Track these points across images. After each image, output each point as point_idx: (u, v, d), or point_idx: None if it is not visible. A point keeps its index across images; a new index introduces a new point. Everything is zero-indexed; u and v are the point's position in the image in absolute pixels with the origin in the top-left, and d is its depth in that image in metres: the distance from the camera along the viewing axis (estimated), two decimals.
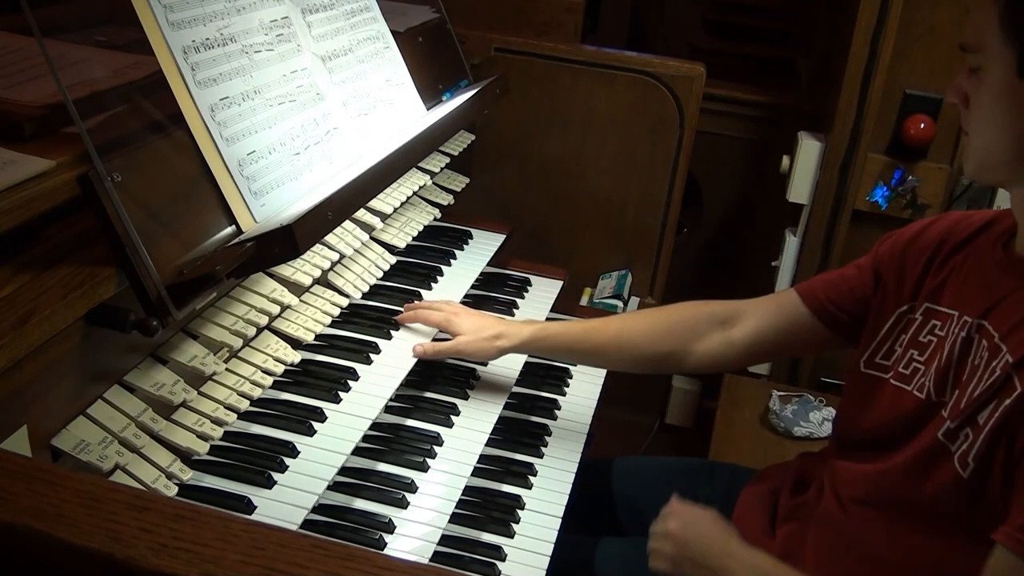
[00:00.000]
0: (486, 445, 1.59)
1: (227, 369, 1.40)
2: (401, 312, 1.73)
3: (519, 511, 1.51)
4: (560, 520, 1.51)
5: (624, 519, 1.72)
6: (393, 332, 1.68)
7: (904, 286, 1.40)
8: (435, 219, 2.06)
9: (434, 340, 1.68)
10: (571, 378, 1.90)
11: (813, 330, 1.51)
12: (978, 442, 1.18)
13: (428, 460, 1.50)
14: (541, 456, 1.65)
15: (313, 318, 1.59)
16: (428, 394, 1.68)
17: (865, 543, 1.32)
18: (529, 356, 1.84)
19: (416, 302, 1.77)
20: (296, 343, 1.53)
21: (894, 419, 1.33)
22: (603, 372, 1.92)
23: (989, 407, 1.18)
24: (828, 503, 1.39)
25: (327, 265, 1.62)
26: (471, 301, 1.89)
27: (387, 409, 1.56)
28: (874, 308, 1.44)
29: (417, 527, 1.37)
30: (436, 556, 1.35)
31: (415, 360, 1.63)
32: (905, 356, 1.36)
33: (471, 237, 2.13)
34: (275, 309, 1.48)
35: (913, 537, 1.26)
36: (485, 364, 1.76)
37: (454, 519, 1.43)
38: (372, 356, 1.60)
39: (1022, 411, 1.14)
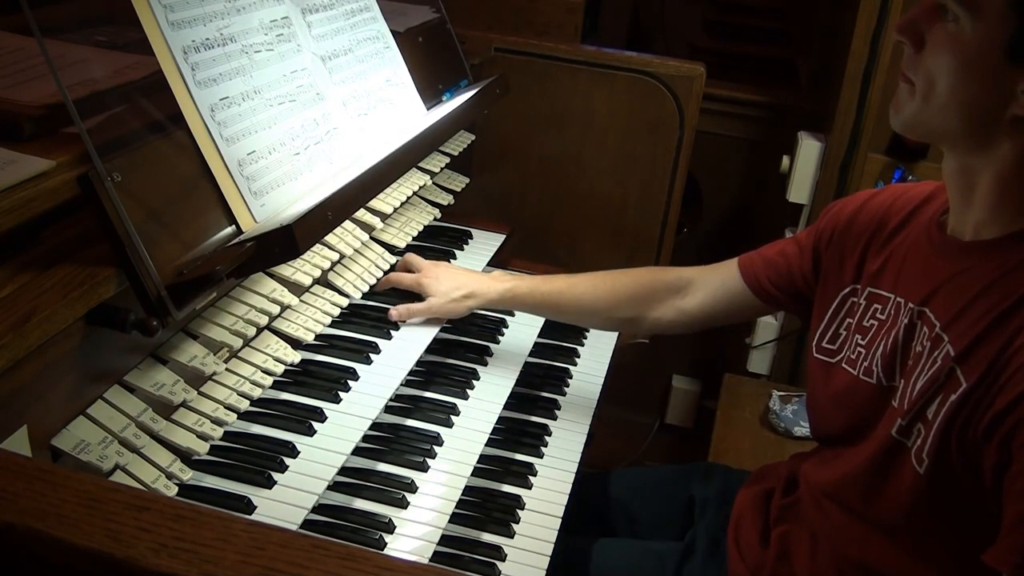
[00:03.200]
0: (486, 445, 1.59)
1: (227, 369, 1.40)
2: None
3: (519, 511, 1.51)
4: (560, 520, 1.51)
5: (620, 530, 1.73)
6: (393, 332, 1.68)
7: (845, 268, 1.40)
8: (435, 219, 2.06)
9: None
10: (571, 378, 1.90)
11: (753, 303, 1.59)
12: (930, 437, 1.15)
13: (428, 460, 1.50)
14: (541, 456, 1.65)
15: (313, 318, 1.59)
16: (428, 394, 1.68)
17: (841, 544, 1.31)
18: (529, 356, 1.86)
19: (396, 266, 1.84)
20: (296, 343, 1.53)
21: (851, 407, 1.32)
22: (603, 372, 1.92)
23: (936, 401, 1.15)
24: (807, 503, 1.39)
25: (327, 265, 1.62)
26: None
27: (387, 409, 1.56)
28: (818, 292, 1.45)
29: (417, 527, 1.37)
30: (436, 556, 1.35)
31: (415, 360, 1.64)
32: (851, 341, 1.35)
33: (471, 237, 2.13)
34: (275, 309, 1.48)
35: (885, 539, 1.24)
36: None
37: (454, 519, 1.43)
38: (372, 356, 1.60)
39: (970, 405, 1.11)
